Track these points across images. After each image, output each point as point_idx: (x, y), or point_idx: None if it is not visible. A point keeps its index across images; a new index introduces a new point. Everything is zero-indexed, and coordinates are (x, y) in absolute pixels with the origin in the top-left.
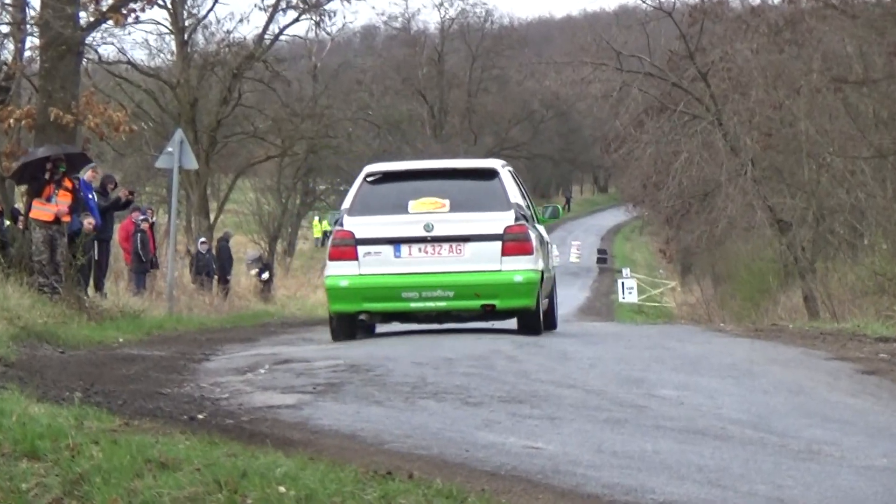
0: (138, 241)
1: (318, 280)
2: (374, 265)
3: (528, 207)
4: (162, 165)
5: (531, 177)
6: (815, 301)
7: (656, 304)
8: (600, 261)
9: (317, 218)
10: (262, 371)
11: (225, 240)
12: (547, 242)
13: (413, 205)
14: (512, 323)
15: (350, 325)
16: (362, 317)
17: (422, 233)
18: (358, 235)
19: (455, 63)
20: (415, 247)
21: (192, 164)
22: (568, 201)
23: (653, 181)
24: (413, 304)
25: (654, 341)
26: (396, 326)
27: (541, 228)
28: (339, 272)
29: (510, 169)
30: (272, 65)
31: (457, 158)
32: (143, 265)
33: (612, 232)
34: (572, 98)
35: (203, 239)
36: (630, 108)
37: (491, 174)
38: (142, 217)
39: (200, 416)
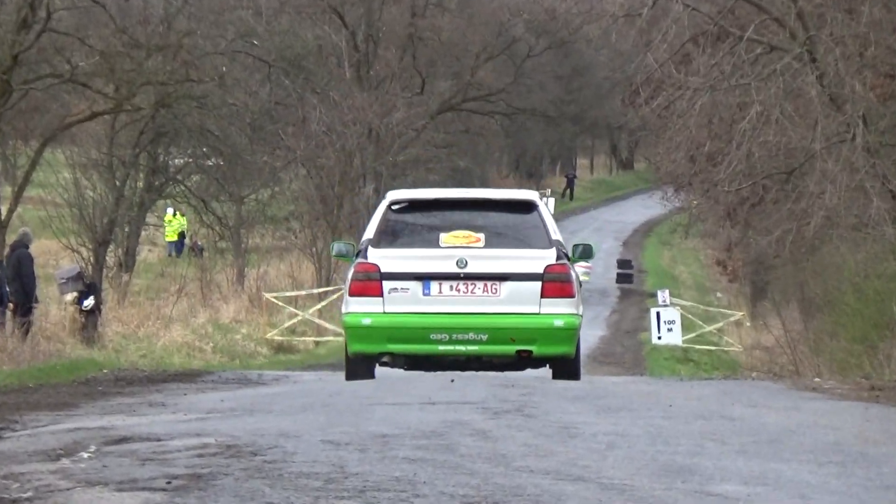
0: None
1: (173, 311)
2: (401, 303)
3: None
4: None
5: (512, 145)
6: None
7: (712, 348)
8: (622, 279)
9: (170, 210)
10: (87, 455)
11: (23, 245)
12: (581, 284)
13: (445, 237)
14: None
15: (370, 369)
16: (385, 359)
17: (454, 269)
18: (384, 269)
19: None
20: (446, 284)
21: None
22: (570, 183)
23: (705, 151)
24: (442, 347)
25: (708, 407)
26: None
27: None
28: (362, 309)
29: (545, 201)
30: None
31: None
32: None
33: (641, 233)
34: (576, 19)
35: None
36: (670, 36)
37: (529, 207)
38: None
39: None
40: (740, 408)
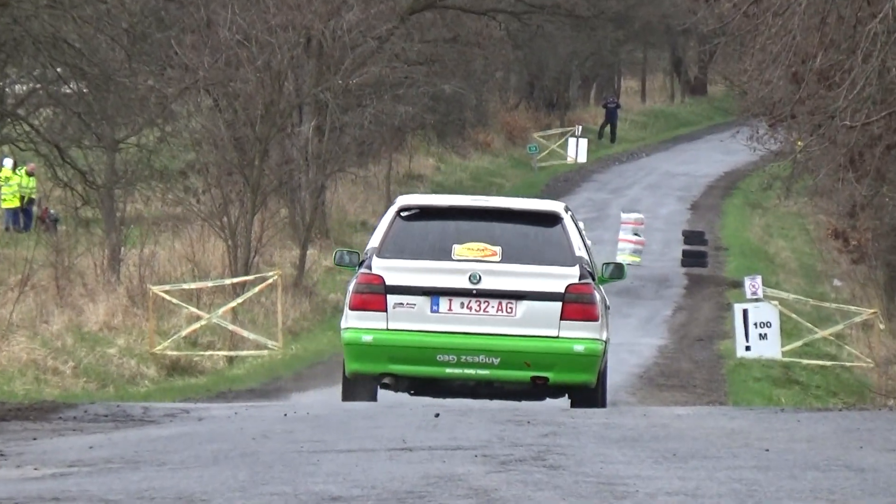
0: None
1: (14, 313)
2: (406, 319)
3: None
4: None
5: (524, 60)
6: None
7: (827, 363)
8: (691, 259)
9: (8, 162)
10: None
11: None
12: (608, 306)
13: (458, 250)
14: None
15: (369, 392)
16: (386, 381)
17: (467, 284)
18: (388, 282)
19: None
20: (457, 301)
21: None
22: (611, 117)
23: (815, 67)
24: (449, 370)
25: (823, 452)
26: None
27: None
28: (362, 325)
29: (572, 214)
30: None
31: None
32: None
33: (719, 191)
34: None
35: None
36: None
37: (553, 219)
38: None
39: None
40: (872, 453)
